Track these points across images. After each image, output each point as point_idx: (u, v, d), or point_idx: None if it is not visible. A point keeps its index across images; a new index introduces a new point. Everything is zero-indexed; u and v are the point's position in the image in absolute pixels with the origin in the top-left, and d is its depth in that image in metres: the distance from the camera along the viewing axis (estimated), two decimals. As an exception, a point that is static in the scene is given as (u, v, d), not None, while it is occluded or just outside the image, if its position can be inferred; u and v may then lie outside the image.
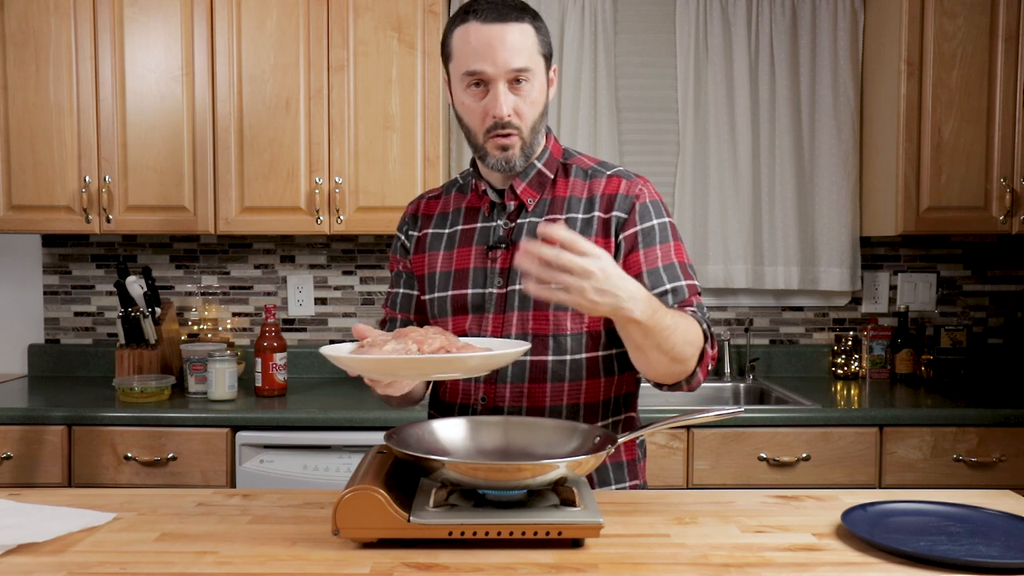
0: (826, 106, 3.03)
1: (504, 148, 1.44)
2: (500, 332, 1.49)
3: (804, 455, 2.46)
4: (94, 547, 1.23)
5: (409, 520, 1.18)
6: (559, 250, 1.13)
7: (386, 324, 1.63)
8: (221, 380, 2.60)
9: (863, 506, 1.34)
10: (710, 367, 1.44)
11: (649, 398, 2.96)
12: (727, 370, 3.06)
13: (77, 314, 3.11)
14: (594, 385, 1.52)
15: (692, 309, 1.45)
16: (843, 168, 3.04)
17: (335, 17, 2.69)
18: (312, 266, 3.10)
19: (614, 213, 1.48)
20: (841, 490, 1.52)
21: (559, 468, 1.20)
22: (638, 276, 1.43)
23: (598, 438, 1.34)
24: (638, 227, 1.47)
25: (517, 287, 1.47)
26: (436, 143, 2.71)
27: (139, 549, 1.22)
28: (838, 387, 2.92)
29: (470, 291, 1.52)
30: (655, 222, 1.48)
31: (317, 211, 2.71)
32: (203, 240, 3.10)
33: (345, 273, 3.11)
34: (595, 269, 1.14)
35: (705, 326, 1.43)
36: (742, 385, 3.00)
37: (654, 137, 3.11)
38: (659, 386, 1.44)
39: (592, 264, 1.13)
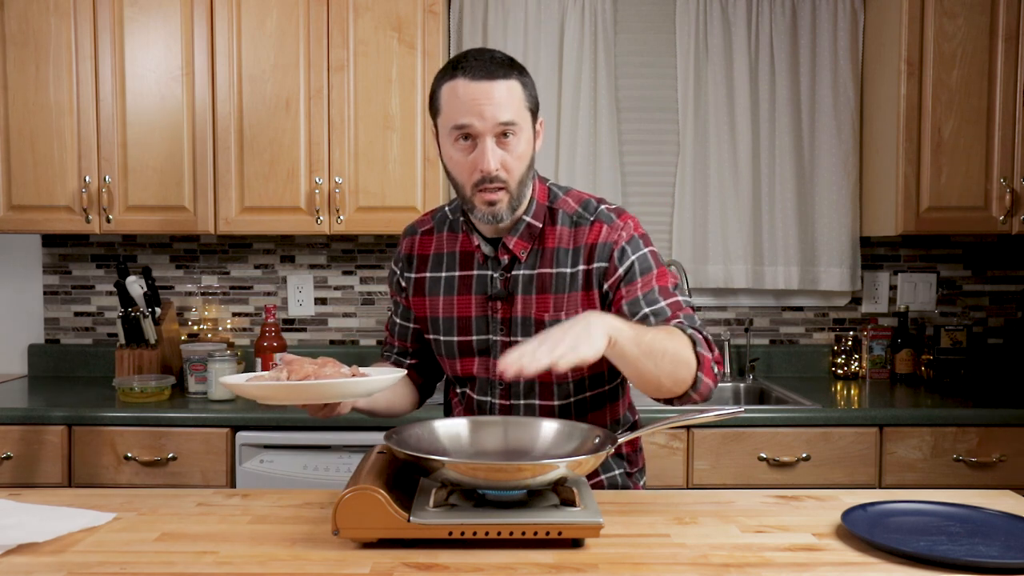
0: (826, 106, 3.03)
1: (491, 203, 1.46)
2: (511, 378, 1.53)
3: (804, 455, 2.46)
4: (94, 547, 1.23)
5: (409, 520, 1.18)
6: (532, 354, 1.19)
7: (386, 347, 1.75)
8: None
9: (863, 506, 1.34)
10: (717, 371, 1.43)
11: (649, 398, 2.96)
12: (727, 370, 3.06)
13: (77, 314, 3.11)
14: (601, 415, 1.63)
15: (678, 321, 1.46)
16: (843, 168, 3.04)
17: (335, 17, 2.69)
18: (312, 266, 3.10)
19: (595, 265, 1.52)
20: (841, 490, 1.52)
21: (559, 468, 1.20)
22: (620, 311, 1.48)
23: (598, 438, 1.34)
24: (619, 270, 1.51)
25: (519, 337, 1.54)
26: (436, 143, 2.70)
27: (139, 549, 1.22)
28: (838, 387, 2.92)
29: (475, 337, 1.58)
30: (633, 258, 1.51)
31: (317, 211, 2.71)
32: (203, 240, 3.10)
33: (345, 273, 3.11)
34: (549, 348, 1.19)
35: (693, 331, 1.43)
36: (742, 385, 3.00)
37: (654, 137, 3.11)
38: (669, 402, 1.44)
39: (544, 350, 1.19)
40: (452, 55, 3.00)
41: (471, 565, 1.15)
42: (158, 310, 2.86)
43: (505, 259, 1.55)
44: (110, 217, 2.72)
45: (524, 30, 3.00)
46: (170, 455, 2.44)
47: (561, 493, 1.27)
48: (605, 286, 1.52)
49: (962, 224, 2.78)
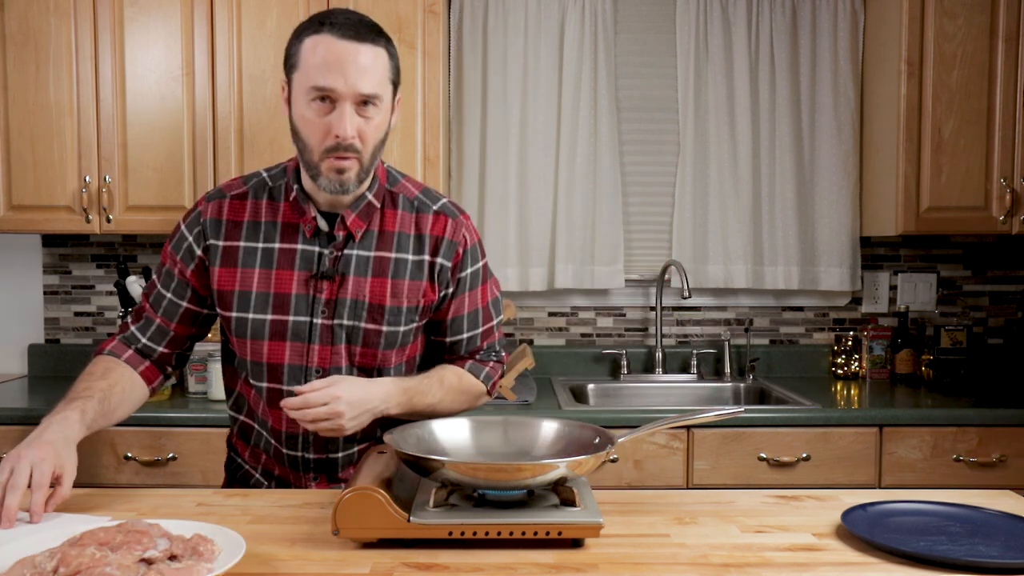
0: (826, 106, 3.03)
1: (340, 171, 1.39)
2: (328, 363, 1.50)
3: (804, 455, 2.46)
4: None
5: (409, 520, 1.18)
6: (305, 407, 1.35)
7: (142, 319, 1.56)
8: (221, 380, 2.60)
9: (863, 506, 1.34)
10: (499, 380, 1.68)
11: (649, 398, 2.97)
12: (727, 370, 3.06)
13: (77, 314, 3.11)
14: None
15: (478, 357, 1.64)
16: (843, 168, 3.04)
17: (335, 17, 2.69)
18: (312, 266, 3.10)
19: (439, 259, 1.52)
20: (841, 490, 1.52)
21: (559, 468, 1.20)
22: (443, 322, 1.58)
23: (598, 438, 1.34)
24: (458, 275, 1.55)
25: (344, 321, 1.49)
26: (436, 143, 2.71)
27: (139, 549, 1.22)
28: (838, 387, 2.91)
29: (291, 318, 1.48)
30: (469, 270, 1.56)
31: (317, 211, 2.71)
32: (203, 240, 3.09)
33: (345, 273, 3.10)
34: (341, 409, 1.36)
35: (487, 369, 1.64)
36: (742, 385, 3.00)
37: (654, 137, 3.11)
38: None
39: (337, 406, 1.35)
40: (452, 55, 3.01)
41: (471, 565, 1.15)
42: (158, 310, 2.86)
43: (340, 235, 1.47)
44: (110, 217, 2.72)
45: (524, 30, 3.00)
46: (170, 455, 2.44)
47: (561, 493, 1.27)
48: (447, 287, 1.54)
49: (962, 224, 2.78)
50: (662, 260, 3.12)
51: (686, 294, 2.85)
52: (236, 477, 1.66)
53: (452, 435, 1.40)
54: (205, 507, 1.41)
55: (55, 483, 1.31)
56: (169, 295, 1.54)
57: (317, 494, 1.48)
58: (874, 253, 3.15)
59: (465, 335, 1.60)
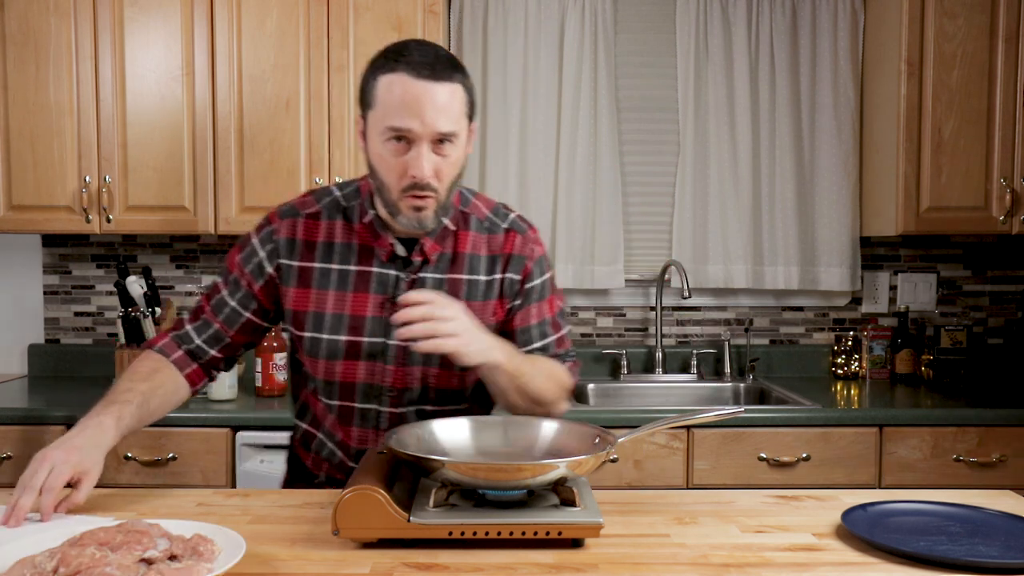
0: (826, 106, 3.03)
1: (418, 209, 1.39)
2: (402, 384, 1.51)
3: (804, 455, 2.46)
4: (94, 547, 1.23)
5: (409, 520, 1.18)
6: (430, 311, 1.29)
7: (199, 320, 1.55)
8: (221, 380, 2.60)
9: (863, 506, 1.34)
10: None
11: (649, 398, 2.97)
12: (727, 370, 3.06)
13: (77, 314, 3.11)
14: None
15: (557, 357, 1.59)
16: (843, 168, 3.04)
17: (335, 17, 2.69)
18: (312, 266, 3.10)
19: (508, 275, 1.53)
20: (841, 490, 1.52)
21: (559, 468, 1.20)
22: (512, 332, 1.55)
23: (598, 438, 1.34)
24: (526, 286, 1.54)
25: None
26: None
27: (139, 549, 1.22)
28: (838, 387, 2.91)
29: (366, 339, 1.48)
30: (537, 282, 1.56)
31: (317, 211, 2.71)
32: (203, 240, 3.10)
33: (345, 273, 3.10)
34: (461, 330, 1.31)
35: (567, 366, 1.59)
36: (742, 385, 3.00)
37: (654, 137, 3.11)
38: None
39: (457, 326, 1.30)
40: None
41: (471, 565, 1.15)
42: (158, 310, 2.86)
43: (418, 260, 1.48)
44: (110, 217, 2.72)
45: (524, 30, 3.00)
46: (170, 455, 2.44)
47: (561, 493, 1.27)
48: (515, 302, 1.54)
49: (962, 224, 2.78)
50: (662, 260, 3.12)
51: (686, 294, 2.85)
52: (299, 476, 1.67)
53: (452, 435, 1.40)
54: (205, 507, 1.41)
55: (73, 486, 1.31)
56: (233, 303, 1.54)
57: (317, 494, 1.48)
58: (874, 253, 3.15)
59: (537, 344, 1.56)
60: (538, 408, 1.48)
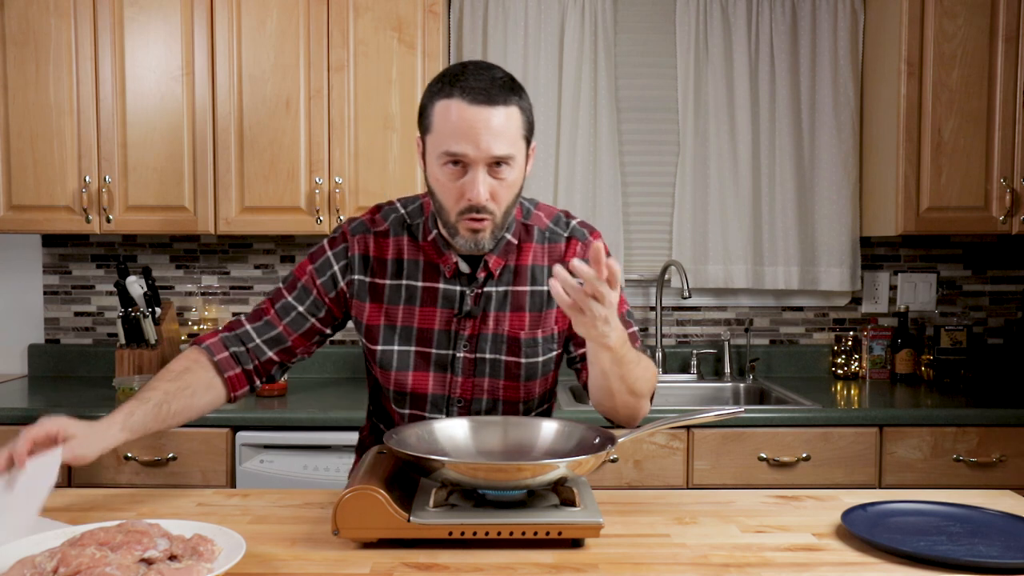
0: (826, 106, 3.03)
1: (475, 231, 1.40)
2: (470, 395, 1.53)
3: (804, 455, 2.46)
4: (94, 547, 1.23)
5: (409, 520, 1.18)
6: (596, 281, 1.16)
7: (261, 321, 1.55)
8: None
9: (863, 506, 1.34)
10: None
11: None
12: (727, 370, 3.06)
13: (77, 314, 3.11)
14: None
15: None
16: (843, 168, 3.04)
17: (335, 17, 2.69)
18: (312, 266, 3.10)
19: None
20: (841, 490, 1.52)
21: (559, 468, 1.20)
22: (576, 335, 1.50)
23: (598, 438, 1.34)
24: None
25: (487, 355, 1.51)
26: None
27: (139, 549, 1.22)
28: (838, 387, 2.91)
29: (434, 351, 1.52)
30: None
31: (317, 211, 2.71)
32: (203, 240, 3.10)
33: (345, 273, 3.10)
34: (610, 301, 1.19)
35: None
36: (742, 385, 3.00)
37: (654, 137, 3.11)
38: (609, 422, 1.49)
39: (611, 299, 1.19)
40: (452, 55, 3.01)
41: (471, 565, 1.15)
42: (158, 310, 2.86)
43: (482, 276, 1.50)
44: (110, 217, 2.72)
45: (524, 30, 3.00)
46: (170, 455, 2.44)
47: (561, 493, 1.27)
48: None
49: (962, 224, 2.78)
50: (662, 260, 3.12)
51: (686, 294, 2.85)
52: None
53: (452, 435, 1.40)
54: (205, 507, 1.41)
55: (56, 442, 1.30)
56: (301, 308, 1.54)
57: (317, 494, 1.48)
58: (874, 253, 3.15)
59: None
60: (631, 400, 1.41)
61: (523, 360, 1.52)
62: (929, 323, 3.12)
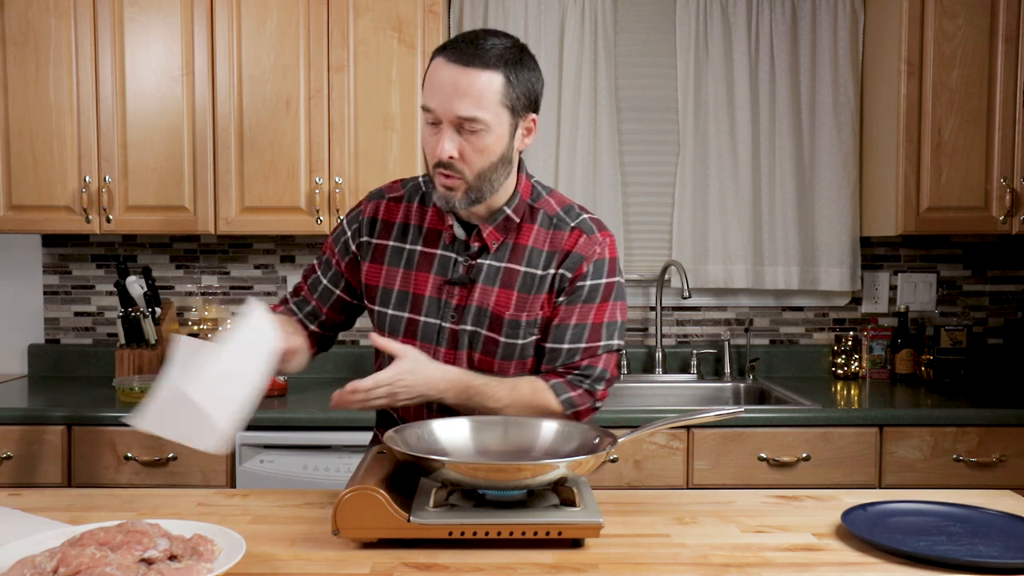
0: (826, 106, 3.03)
1: (448, 188, 1.44)
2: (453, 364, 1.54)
3: (804, 455, 2.46)
4: (94, 547, 1.23)
5: (409, 520, 1.18)
6: (367, 396, 1.39)
7: (299, 296, 1.66)
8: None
9: (863, 506, 1.34)
10: (590, 417, 1.57)
11: (649, 398, 2.97)
12: (727, 370, 3.06)
13: (77, 314, 3.11)
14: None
15: (569, 378, 1.53)
16: (843, 168, 3.04)
17: (335, 17, 2.69)
18: (312, 266, 3.10)
19: (562, 270, 1.52)
20: (841, 490, 1.52)
21: (559, 468, 1.20)
22: (548, 327, 1.53)
23: (598, 438, 1.34)
24: (576, 284, 1.52)
25: (468, 326, 1.52)
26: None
27: (139, 549, 1.22)
28: (838, 387, 2.91)
29: (423, 319, 1.54)
30: (589, 283, 1.52)
31: (317, 211, 2.71)
32: (203, 240, 3.10)
33: (345, 273, 3.10)
34: (398, 391, 1.40)
35: (573, 394, 1.52)
36: (742, 385, 3.00)
37: (654, 137, 3.11)
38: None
39: (395, 388, 1.39)
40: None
41: (471, 565, 1.15)
42: (158, 310, 2.86)
43: (476, 246, 1.51)
44: (110, 217, 2.72)
45: (524, 30, 3.00)
46: (170, 455, 2.44)
47: (561, 493, 1.27)
48: (560, 298, 1.52)
49: (962, 224, 2.78)
50: (662, 260, 3.12)
51: (686, 294, 2.85)
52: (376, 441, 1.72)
53: (452, 435, 1.40)
54: (205, 507, 1.41)
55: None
56: (325, 282, 1.63)
57: (317, 494, 1.48)
58: (874, 253, 3.15)
59: (565, 346, 1.52)
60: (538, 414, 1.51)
61: (502, 339, 1.51)
62: (929, 323, 3.12)
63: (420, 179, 1.61)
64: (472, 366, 1.53)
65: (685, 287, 2.85)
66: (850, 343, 3.06)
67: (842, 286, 3.06)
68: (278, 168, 2.71)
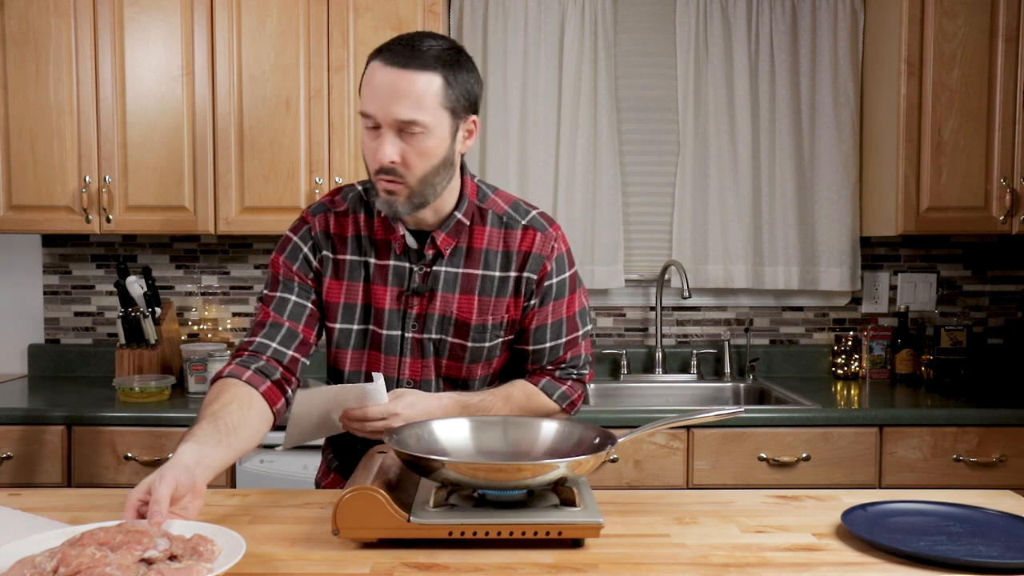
0: (826, 106, 3.03)
1: (389, 192, 1.42)
2: (419, 376, 1.54)
3: (804, 455, 2.46)
4: (94, 547, 1.23)
5: (409, 520, 1.18)
6: (364, 420, 1.40)
7: (266, 327, 1.50)
8: (221, 380, 2.59)
9: (863, 506, 1.34)
10: (583, 399, 1.63)
11: (649, 397, 2.97)
12: (727, 370, 3.06)
13: (77, 314, 3.11)
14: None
15: (556, 374, 1.59)
16: (843, 168, 3.04)
17: (335, 17, 2.69)
18: (312, 266, 3.10)
19: (526, 273, 1.53)
20: (841, 490, 1.52)
21: (559, 468, 1.20)
22: (526, 331, 1.56)
23: (598, 438, 1.34)
24: (544, 284, 1.54)
25: (432, 335, 1.53)
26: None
27: (139, 549, 1.22)
28: (838, 387, 2.91)
29: (385, 332, 1.52)
30: (555, 280, 1.55)
31: (317, 211, 2.71)
32: (203, 240, 3.09)
33: (345, 273, 3.10)
34: (396, 425, 1.38)
35: (564, 388, 1.58)
36: (742, 385, 3.00)
37: (654, 137, 3.11)
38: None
39: (393, 422, 1.39)
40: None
41: (471, 565, 1.15)
42: (158, 310, 2.86)
43: (430, 254, 1.50)
44: (110, 217, 2.72)
45: (524, 30, 3.00)
46: (170, 455, 2.43)
47: (561, 493, 1.27)
48: (531, 302, 1.53)
49: (962, 224, 2.78)
50: (662, 260, 3.12)
51: (686, 294, 2.85)
52: (331, 470, 1.71)
53: (452, 435, 1.39)
54: (205, 507, 1.41)
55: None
56: (293, 298, 1.52)
57: (317, 494, 1.48)
58: (874, 253, 3.15)
59: (548, 344, 1.57)
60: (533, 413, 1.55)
61: (469, 344, 1.53)
62: (929, 323, 3.12)
63: (358, 187, 1.57)
64: (439, 373, 1.55)
65: (685, 287, 2.85)
66: (850, 343, 3.06)
67: (842, 286, 3.06)
68: (278, 168, 2.71)
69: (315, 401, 1.42)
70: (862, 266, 3.12)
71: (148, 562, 1.05)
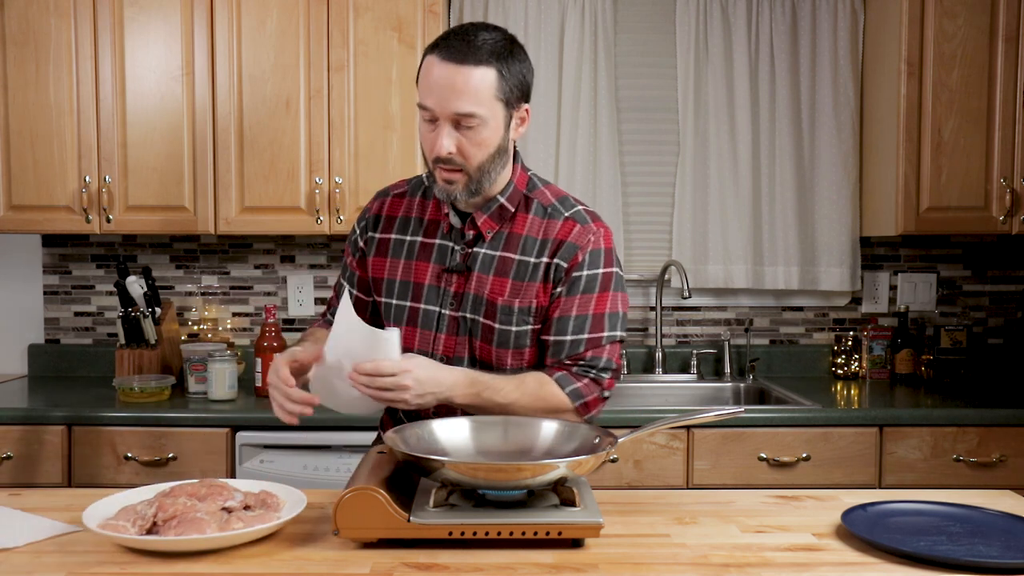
0: (826, 106, 3.03)
1: (448, 182, 1.48)
2: (452, 352, 1.56)
3: (804, 455, 2.46)
4: (95, 547, 1.23)
5: (409, 520, 1.19)
6: (372, 379, 1.39)
7: (330, 307, 1.73)
8: (221, 380, 2.60)
9: (863, 506, 1.34)
10: (606, 395, 1.58)
11: (649, 397, 2.97)
12: (727, 370, 3.06)
13: (77, 314, 3.11)
14: None
15: (574, 370, 1.53)
16: (843, 168, 3.04)
17: (335, 17, 2.69)
18: (312, 266, 3.10)
19: (556, 260, 1.53)
20: (841, 490, 1.52)
21: (559, 468, 1.20)
22: (549, 320, 1.54)
23: (598, 438, 1.34)
24: (572, 275, 1.53)
25: (467, 314, 1.54)
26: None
27: (139, 549, 1.22)
28: (838, 387, 2.91)
29: (423, 306, 1.58)
30: (586, 272, 1.53)
31: (317, 211, 2.71)
32: (203, 240, 3.09)
33: (345, 273, 3.10)
34: (408, 382, 1.38)
35: (579, 384, 1.52)
36: (742, 385, 3.00)
37: (654, 137, 3.11)
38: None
39: (404, 379, 1.38)
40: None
41: (471, 565, 1.15)
42: (158, 310, 2.86)
43: (470, 234, 1.55)
44: (110, 217, 2.72)
45: (524, 30, 3.00)
46: (170, 455, 2.44)
47: (561, 493, 1.27)
48: (558, 289, 1.53)
49: (962, 224, 2.78)
50: (662, 260, 3.12)
51: (686, 294, 2.85)
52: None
53: (452, 435, 1.40)
54: (205, 507, 1.41)
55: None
56: (343, 283, 1.70)
57: (318, 494, 1.48)
58: (874, 253, 3.15)
59: (568, 338, 1.53)
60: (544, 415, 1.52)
61: (496, 325, 1.53)
62: (929, 323, 3.12)
63: (423, 175, 1.65)
64: (472, 353, 1.55)
65: (685, 287, 2.85)
66: (850, 343, 3.06)
67: (842, 286, 3.07)
68: (278, 168, 2.71)
69: (342, 321, 1.44)
70: (862, 266, 3.12)
71: (228, 510, 1.28)
